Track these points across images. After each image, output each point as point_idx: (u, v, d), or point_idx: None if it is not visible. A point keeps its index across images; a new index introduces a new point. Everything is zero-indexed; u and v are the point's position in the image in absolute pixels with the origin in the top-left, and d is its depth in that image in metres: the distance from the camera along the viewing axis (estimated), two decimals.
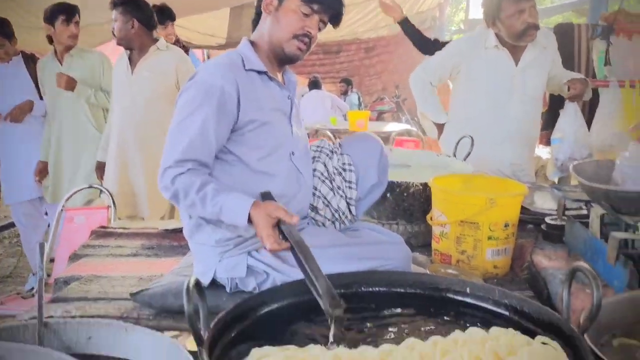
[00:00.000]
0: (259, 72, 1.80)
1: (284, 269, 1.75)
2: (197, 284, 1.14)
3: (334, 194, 1.91)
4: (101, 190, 3.27)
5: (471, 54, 3.03)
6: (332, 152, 1.98)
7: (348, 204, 1.94)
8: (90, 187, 3.29)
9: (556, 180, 3.53)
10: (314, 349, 1.15)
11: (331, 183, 1.91)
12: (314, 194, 1.91)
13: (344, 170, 1.95)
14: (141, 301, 1.74)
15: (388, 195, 2.36)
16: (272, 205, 1.64)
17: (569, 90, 2.90)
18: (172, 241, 2.43)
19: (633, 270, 1.66)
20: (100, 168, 3.58)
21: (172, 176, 1.66)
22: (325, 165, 1.94)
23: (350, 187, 1.94)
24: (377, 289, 1.55)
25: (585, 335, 1.18)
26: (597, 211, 1.83)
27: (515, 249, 2.18)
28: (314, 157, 1.97)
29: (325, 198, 1.91)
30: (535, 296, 1.93)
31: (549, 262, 2.06)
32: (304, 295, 1.48)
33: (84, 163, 3.79)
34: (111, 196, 3.07)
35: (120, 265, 2.15)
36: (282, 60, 1.85)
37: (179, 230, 2.33)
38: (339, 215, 1.93)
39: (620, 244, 1.63)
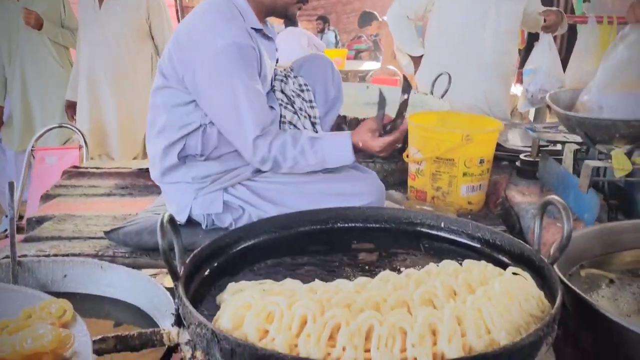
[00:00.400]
0: (256, 30, 1.78)
1: (260, 204, 1.76)
2: (171, 220, 1.13)
3: (298, 116, 1.90)
4: (73, 130, 3.20)
5: None
6: (285, 77, 1.96)
7: (313, 123, 1.95)
8: (61, 126, 3.21)
9: (529, 115, 3.55)
10: (290, 283, 1.16)
11: (293, 107, 1.89)
12: (282, 122, 1.90)
13: (302, 91, 1.95)
14: (116, 239, 1.73)
15: None
16: (363, 130, 1.74)
17: (545, 22, 2.89)
18: (147, 180, 2.39)
19: (603, 203, 1.70)
20: (71, 107, 3.49)
21: (267, 144, 1.68)
22: (283, 92, 1.93)
23: (311, 106, 1.96)
24: (352, 224, 1.56)
25: (555, 266, 1.21)
26: (570, 147, 1.84)
27: (489, 185, 2.21)
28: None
29: (290, 123, 1.90)
30: (508, 231, 1.97)
31: (522, 197, 2.10)
32: (280, 231, 1.49)
33: (54, 103, 3.67)
34: (83, 136, 3.00)
35: (94, 204, 2.13)
36: (273, 14, 1.82)
37: None
38: None
39: (592, 171, 1.65)
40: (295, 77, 1.97)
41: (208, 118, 1.71)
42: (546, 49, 2.86)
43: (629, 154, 1.67)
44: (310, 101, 1.96)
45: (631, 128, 1.60)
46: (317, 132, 1.96)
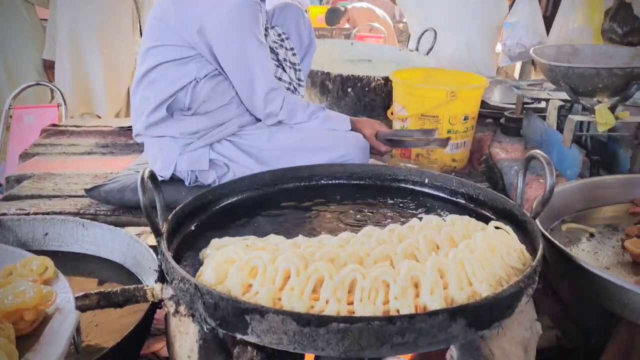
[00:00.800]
0: None
1: (245, 161, 1.75)
2: (152, 176, 1.11)
3: (283, 68, 1.88)
4: (52, 90, 3.13)
5: None
6: (266, 29, 1.93)
7: (295, 70, 1.94)
8: (38, 84, 3.13)
9: (515, 73, 3.53)
10: (274, 238, 1.15)
11: (277, 59, 1.87)
12: None
13: (282, 40, 1.92)
14: (97, 197, 1.71)
15: (349, 90, 2.33)
16: (367, 124, 1.89)
17: None
18: (128, 139, 2.36)
19: (585, 159, 1.71)
20: (51, 67, 3.41)
21: (280, 99, 1.76)
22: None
23: (293, 54, 1.94)
24: (336, 181, 1.56)
25: (537, 220, 1.22)
26: (554, 103, 1.84)
27: (473, 143, 2.21)
28: None
29: (275, 75, 1.88)
30: (491, 188, 1.97)
31: (505, 154, 2.10)
32: (263, 188, 1.48)
33: (26, 62, 3.56)
34: (61, 94, 2.94)
35: (74, 163, 2.09)
36: None
37: None
38: (293, 85, 1.92)
39: (576, 126, 1.65)
40: (272, 27, 1.94)
41: (202, 72, 1.71)
42: (526, 3, 2.82)
43: (612, 109, 1.67)
44: (292, 49, 1.93)
45: (614, 77, 1.59)
46: (300, 79, 1.96)
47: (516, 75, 4.18)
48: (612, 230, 1.45)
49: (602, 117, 1.62)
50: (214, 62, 1.72)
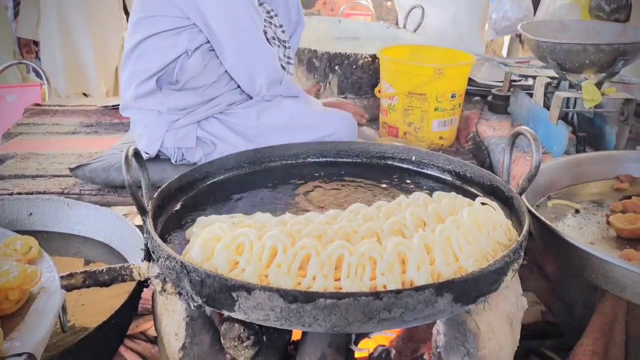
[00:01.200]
0: None
1: (232, 139, 1.73)
2: (137, 153, 1.10)
3: (271, 45, 1.86)
4: (35, 67, 3.08)
5: None
6: None
7: (285, 48, 1.92)
8: (21, 62, 3.08)
9: (502, 51, 3.52)
10: (260, 216, 1.15)
11: (266, 36, 1.85)
12: None
13: (271, 17, 1.89)
14: (82, 176, 1.69)
15: (336, 68, 2.31)
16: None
17: None
18: (113, 118, 2.33)
19: (571, 136, 1.72)
20: (26, 45, 3.34)
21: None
22: None
23: (282, 32, 1.91)
24: (324, 159, 1.55)
25: (523, 196, 1.22)
26: (541, 80, 1.84)
27: (461, 120, 2.20)
28: None
29: None
30: (479, 165, 1.98)
31: (493, 132, 2.11)
32: (250, 166, 1.47)
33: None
34: (44, 73, 2.89)
35: (58, 142, 2.06)
36: None
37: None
38: (282, 64, 1.91)
39: (563, 102, 1.66)
40: (260, 4, 1.91)
41: (194, 44, 1.68)
42: None
43: (598, 85, 1.67)
44: (281, 26, 1.90)
45: (601, 53, 1.59)
46: (289, 57, 1.93)
47: (504, 53, 4.17)
48: (597, 206, 1.46)
49: (589, 94, 1.62)
50: (206, 32, 1.69)
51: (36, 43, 3.42)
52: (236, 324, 1.01)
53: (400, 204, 1.18)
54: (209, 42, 1.71)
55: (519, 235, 1.06)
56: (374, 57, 2.27)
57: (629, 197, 1.43)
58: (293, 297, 0.86)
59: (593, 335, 1.13)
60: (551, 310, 1.46)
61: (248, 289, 0.88)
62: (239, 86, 1.80)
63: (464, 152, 2.13)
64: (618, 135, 1.65)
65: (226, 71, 1.76)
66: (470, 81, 2.33)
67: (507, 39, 3.90)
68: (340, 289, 0.92)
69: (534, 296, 1.54)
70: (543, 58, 1.71)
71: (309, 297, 0.85)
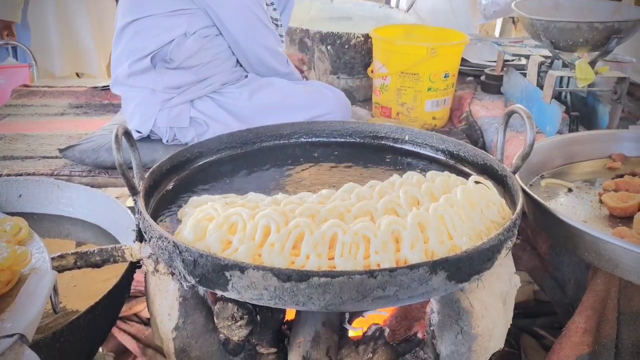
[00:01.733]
0: None
1: (226, 119, 1.72)
2: (127, 133, 1.08)
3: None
4: (22, 48, 3.03)
5: None
6: None
7: (277, 26, 1.90)
8: (7, 44, 3.02)
9: (495, 31, 3.50)
10: (253, 196, 1.14)
11: None
12: None
13: None
14: (72, 157, 1.67)
15: (329, 48, 2.28)
16: None
17: None
18: (103, 99, 2.30)
19: (564, 116, 1.71)
20: (6, 27, 3.29)
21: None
22: None
23: (274, 9, 1.90)
24: (317, 139, 1.54)
25: (517, 175, 1.22)
26: (535, 59, 1.83)
27: (454, 101, 2.20)
28: None
29: None
30: (472, 145, 1.98)
31: (486, 112, 2.10)
32: (243, 146, 1.46)
33: None
34: (32, 54, 2.85)
35: (47, 124, 2.04)
36: None
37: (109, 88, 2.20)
38: None
39: (556, 81, 1.65)
40: None
41: (193, 27, 1.67)
42: None
43: (592, 64, 1.66)
44: (272, 3, 1.88)
45: (594, 31, 1.58)
46: (281, 35, 1.92)
47: (497, 34, 4.15)
48: (590, 185, 1.46)
49: (582, 72, 1.61)
50: (211, 16, 1.69)
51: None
52: (230, 304, 1.01)
53: (393, 183, 1.17)
54: (208, 26, 1.69)
55: (513, 214, 1.06)
56: (367, 37, 2.25)
57: (622, 176, 1.43)
58: (287, 275, 0.85)
59: (585, 313, 1.13)
60: (543, 289, 1.47)
61: (241, 268, 0.87)
62: (237, 65, 1.79)
63: (457, 132, 2.12)
64: (611, 114, 1.64)
65: (222, 51, 1.74)
66: (464, 61, 2.32)
67: (499, 19, 3.88)
68: (334, 267, 0.92)
69: (527, 275, 1.54)
70: (537, 36, 1.70)
71: (302, 276, 0.85)
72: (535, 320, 1.72)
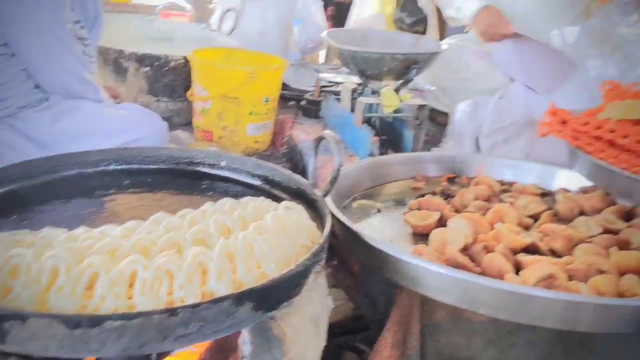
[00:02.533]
0: None
1: (24, 146, 1.57)
2: None
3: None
4: None
5: None
6: None
7: (84, 45, 1.78)
8: None
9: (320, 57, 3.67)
10: (49, 232, 1.03)
11: None
12: None
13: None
14: None
15: (147, 69, 2.20)
16: None
17: None
18: None
19: (375, 139, 1.82)
20: None
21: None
22: None
23: (81, 27, 1.80)
24: (127, 166, 1.45)
25: (329, 198, 1.26)
26: (347, 86, 1.93)
27: (276, 125, 2.23)
28: None
29: None
30: (292, 169, 2.02)
31: (306, 136, 2.16)
32: (41, 175, 1.32)
33: None
34: None
35: None
36: None
37: None
38: (83, 63, 1.78)
39: (365, 108, 1.75)
40: None
41: None
42: (312, 1, 3.00)
43: (397, 91, 1.79)
44: (78, 22, 1.75)
45: (396, 61, 1.71)
46: (90, 55, 1.79)
47: (322, 60, 4.35)
48: (398, 204, 1.56)
49: (388, 100, 1.73)
50: (5, 34, 1.53)
51: None
52: (13, 357, 0.89)
53: (205, 211, 1.14)
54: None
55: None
56: (187, 59, 2.20)
57: (424, 195, 1.54)
58: (75, 322, 0.77)
59: (392, 328, 1.19)
60: (358, 307, 1.52)
61: (22, 317, 0.77)
62: (38, 87, 1.63)
63: (279, 156, 2.16)
64: (415, 138, 1.78)
65: (20, 72, 1.58)
66: (285, 86, 2.38)
67: None
68: (134, 307, 0.85)
69: (344, 294, 1.60)
70: (347, 65, 1.80)
71: (94, 321, 0.77)
72: (356, 336, 1.78)
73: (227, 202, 1.18)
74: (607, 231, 1.31)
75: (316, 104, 2.30)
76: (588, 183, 1.55)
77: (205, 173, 1.46)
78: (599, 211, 1.43)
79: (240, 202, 1.19)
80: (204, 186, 1.41)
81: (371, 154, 1.79)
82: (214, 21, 2.93)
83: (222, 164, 1.47)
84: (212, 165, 1.48)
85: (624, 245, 1.21)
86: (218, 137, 2.08)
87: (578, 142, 1.54)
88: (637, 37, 1.92)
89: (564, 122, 1.63)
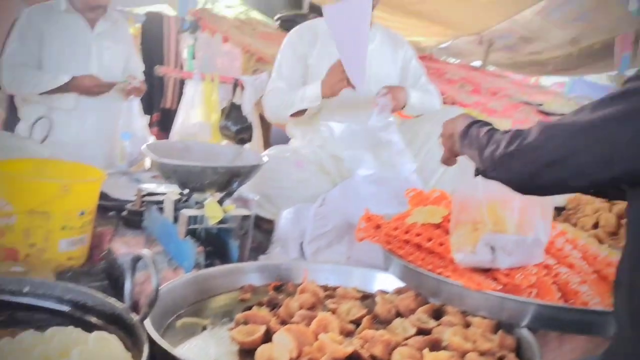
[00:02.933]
0: None
1: None
2: None
3: None
4: None
5: None
6: None
7: None
8: None
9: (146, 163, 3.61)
10: None
11: None
12: None
13: None
14: None
15: None
16: None
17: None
18: None
19: (201, 250, 1.78)
20: None
21: None
22: None
23: None
24: None
25: (148, 321, 1.18)
26: (170, 196, 1.89)
27: (94, 238, 2.09)
28: None
29: None
30: (112, 285, 1.88)
31: (127, 248, 2.05)
32: None
33: None
34: None
35: None
36: None
37: None
38: None
39: (189, 220, 1.72)
40: None
41: None
42: (136, 114, 3.04)
43: (220, 202, 1.80)
44: None
45: (218, 174, 1.73)
46: None
47: (147, 166, 4.25)
48: (225, 318, 1.51)
49: (212, 211, 1.72)
50: None
51: None
52: None
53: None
54: None
55: None
56: None
57: (250, 307, 1.52)
58: None
59: None
60: None
61: None
62: None
63: (97, 271, 2.00)
64: (240, 248, 1.78)
65: None
66: (104, 196, 2.26)
67: None
68: None
69: None
70: (167, 177, 1.77)
71: None
72: None
73: (27, 337, 1.05)
74: (420, 331, 1.40)
75: (138, 214, 2.21)
76: (402, 284, 1.65)
77: (7, 301, 1.30)
78: (413, 310, 1.53)
79: (44, 336, 1.07)
80: (1, 319, 1.24)
81: (197, 266, 1.74)
82: (23, 128, 2.75)
83: (26, 290, 1.32)
84: (13, 292, 1.32)
85: (436, 345, 1.29)
86: (25, 255, 1.87)
87: (390, 245, 1.66)
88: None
89: (377, 227, 1.75)
